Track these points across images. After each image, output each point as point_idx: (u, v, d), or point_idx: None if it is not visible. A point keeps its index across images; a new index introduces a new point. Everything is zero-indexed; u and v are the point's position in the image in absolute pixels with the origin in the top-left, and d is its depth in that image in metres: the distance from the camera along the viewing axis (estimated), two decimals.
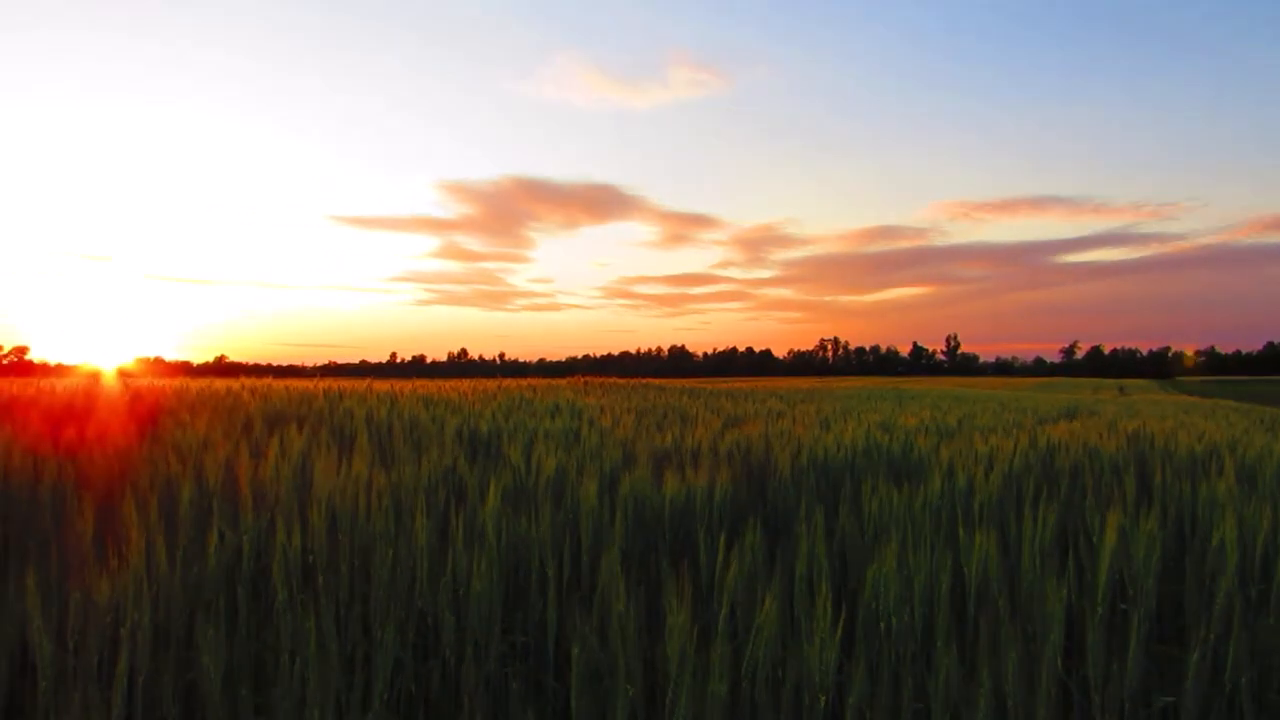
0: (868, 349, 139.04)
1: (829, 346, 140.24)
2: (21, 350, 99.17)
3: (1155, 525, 2.07)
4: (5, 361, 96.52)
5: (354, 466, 3.05)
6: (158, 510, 2.57)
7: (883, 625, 1.76)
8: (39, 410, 4.81)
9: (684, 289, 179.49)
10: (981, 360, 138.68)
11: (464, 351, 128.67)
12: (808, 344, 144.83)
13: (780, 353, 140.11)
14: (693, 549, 2.85)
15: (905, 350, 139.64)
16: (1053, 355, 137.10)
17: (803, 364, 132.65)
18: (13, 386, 6.89)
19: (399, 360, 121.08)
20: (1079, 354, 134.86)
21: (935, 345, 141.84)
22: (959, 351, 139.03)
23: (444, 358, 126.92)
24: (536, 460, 3.67)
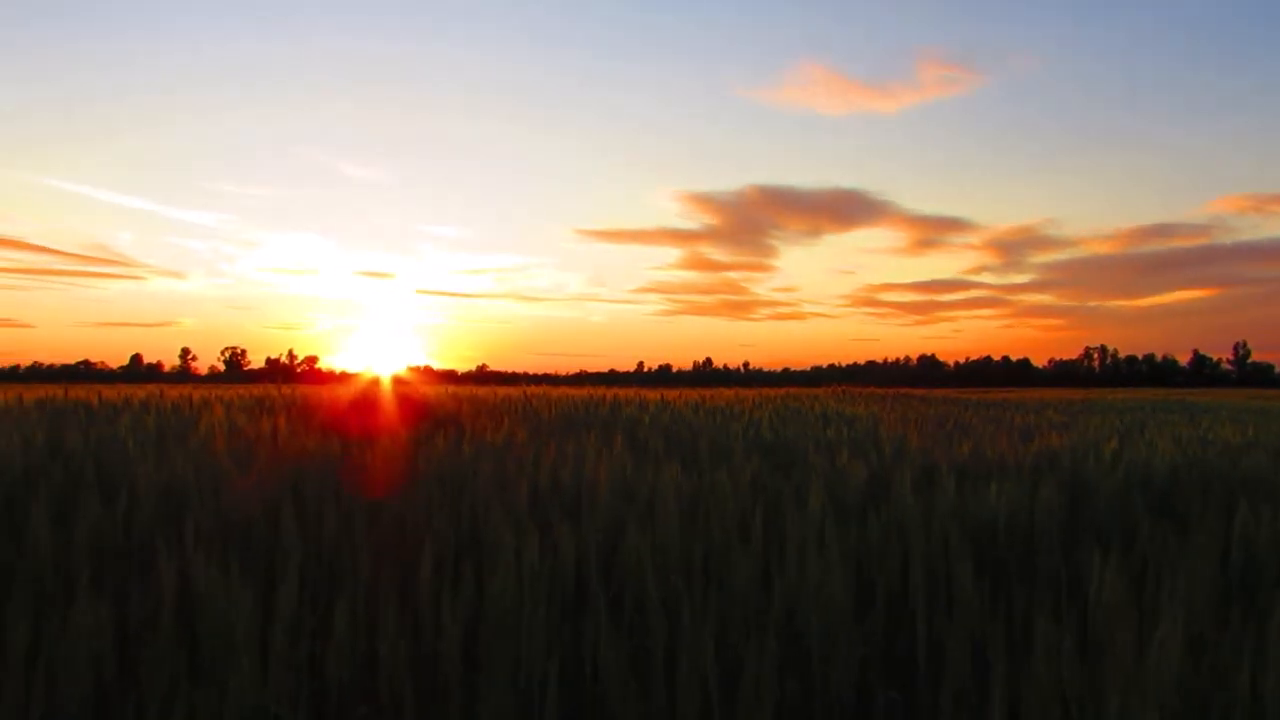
0: (1140, 358, 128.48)
1: (1095, 355, 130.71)
2: (312, 360, 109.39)
3: None
4: (299, 370, 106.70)
5: (669, 472, 3.11)
6: (502, 508, 2.71)
7: None
8: (370, 412, 5.26)
9: (933, 296, 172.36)
10: (1278, 370, 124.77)
11: (708, 360, 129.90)
12: (1071, 352, 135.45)
13: (1040, 361, 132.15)
14: (1031, 563, 2.70)
15: (1184, 359, 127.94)
16: None
17: (1065, 374, 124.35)
18: (345, 391, 7.60)
19: (646, 369, 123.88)
20: None
21: (1220, 354, 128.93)
22: (1249, 360, 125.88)
23: (689, 366, 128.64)
24: (841, 468, 3.61)
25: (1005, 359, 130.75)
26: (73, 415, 5.16)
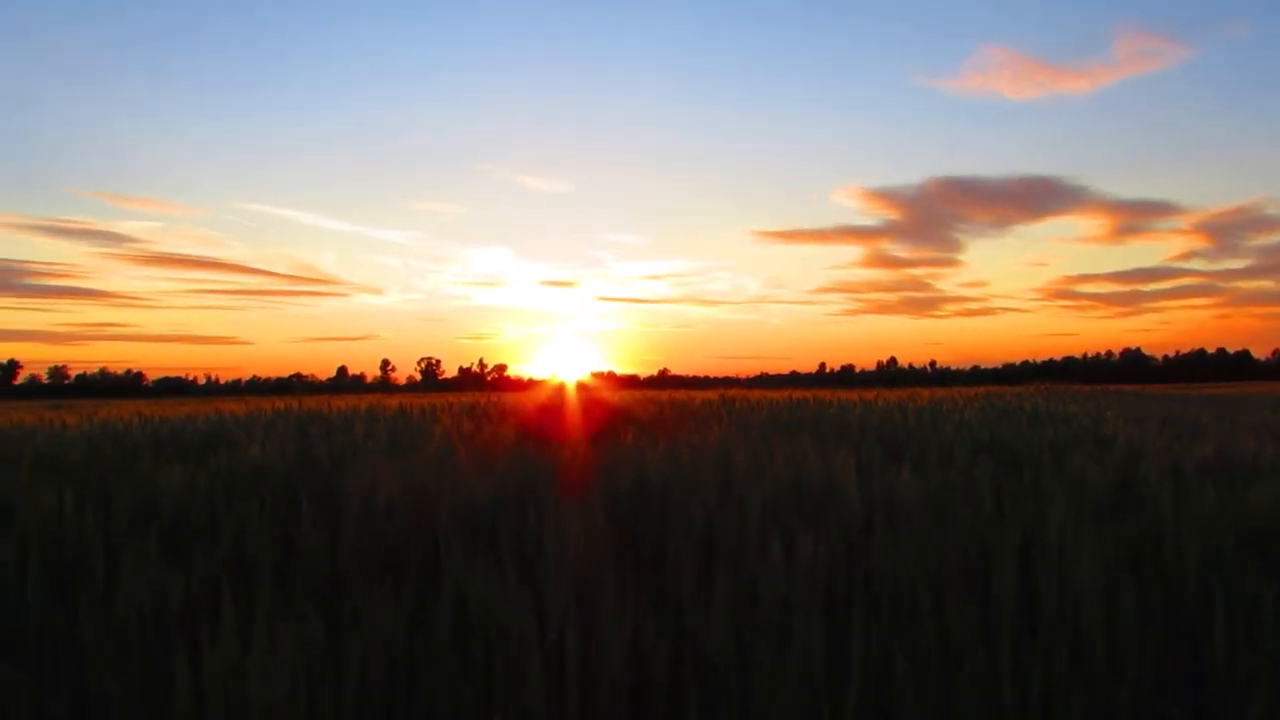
0: None
1: None
2: (501, 368, 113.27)
3: None
4: (489, 377, 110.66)
5: (902, 473, 3.04)
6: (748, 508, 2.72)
7: None
8: (578, 417, 5.41)
9: (1136, 286, 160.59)
10: None
11: (893, 360, 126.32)
12: None
13: (1262, 353, 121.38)
14: None
15: None
16: None
17: None
18: (547, 398, 7.88)
19: (828, 370, 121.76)
20: None
21: None
22: None
23: (872, 366, 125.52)
24: (1078, 468, 3.44)
25: (1221, 351, 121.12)
26: (311, 425, 5.55)
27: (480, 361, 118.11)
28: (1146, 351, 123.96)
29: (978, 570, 2.19)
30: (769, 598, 1.85)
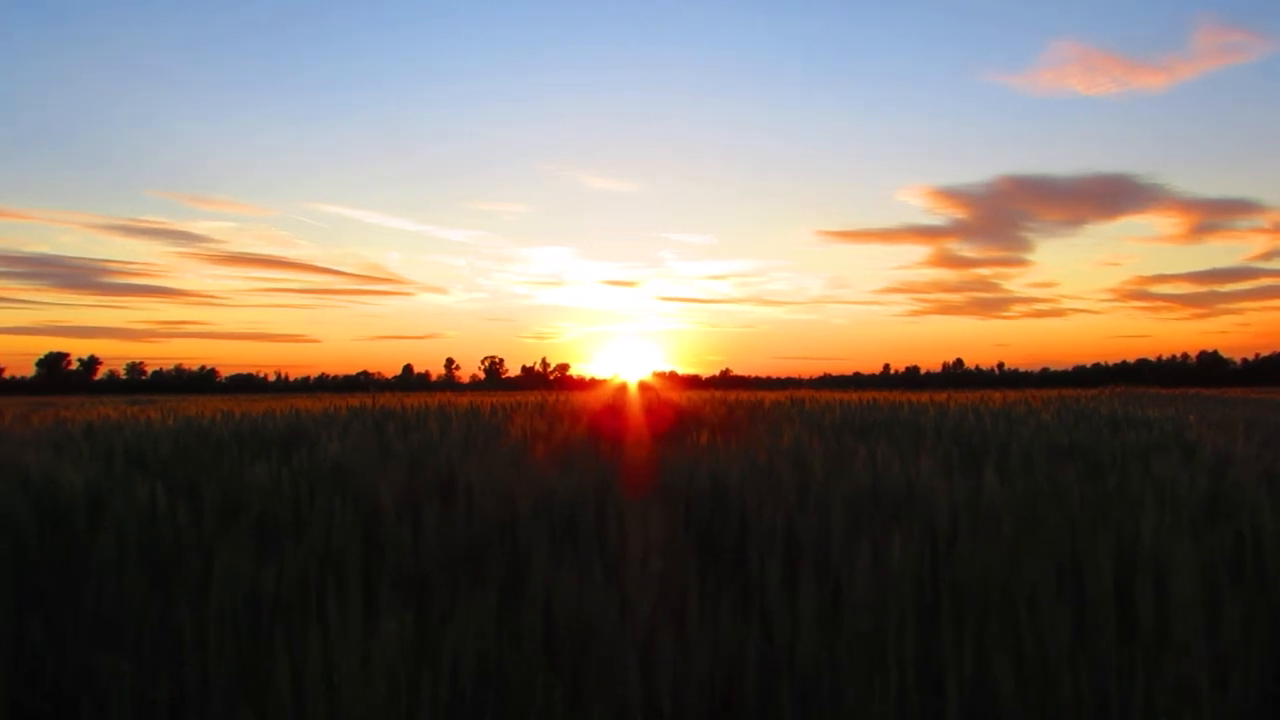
0: None
1: None
2: (564, 367, 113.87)
3: None
4: (552, 376, 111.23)
5: (985, 477, 2.99)
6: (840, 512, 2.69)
7: None
8: (647, 417, 5.43)
9: (1214, 286, 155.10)
10: None
11: (959, 361, 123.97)
12: None
13: None
14: None
15: None
16: None
17: None
18: (616, 398, 7.91)
19: (892, 371, 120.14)
20: None
21: None
22: None
23: (938, 368, 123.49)
24: (1166, 475, 3.35)
25: None
26: (386, 422, 5.64)
27: (543, 360, 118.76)
28: (1224, 354, 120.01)
29: (1069, 577, 2.15)
30: (858, 603, 1.83)
